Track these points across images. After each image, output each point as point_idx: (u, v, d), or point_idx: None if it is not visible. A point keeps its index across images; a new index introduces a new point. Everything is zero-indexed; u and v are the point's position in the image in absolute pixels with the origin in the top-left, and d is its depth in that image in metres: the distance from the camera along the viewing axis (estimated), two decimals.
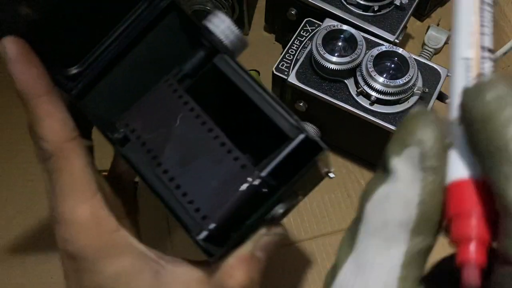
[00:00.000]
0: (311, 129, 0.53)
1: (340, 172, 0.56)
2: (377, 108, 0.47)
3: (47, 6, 0.28)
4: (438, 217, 0.18)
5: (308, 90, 0.49)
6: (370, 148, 0.53)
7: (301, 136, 0.27)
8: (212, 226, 0.26)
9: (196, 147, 0.28)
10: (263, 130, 0.28)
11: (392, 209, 0.18)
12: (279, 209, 0.28)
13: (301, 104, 0.51)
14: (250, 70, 0.58)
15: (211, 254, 0.27)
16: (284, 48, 0.53)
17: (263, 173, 0.26)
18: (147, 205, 0.39)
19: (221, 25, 0.30)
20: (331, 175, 0.31)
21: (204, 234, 0.26)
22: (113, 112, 0.30)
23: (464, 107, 0.17)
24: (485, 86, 0.17)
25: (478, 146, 0.17)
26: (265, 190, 0.27)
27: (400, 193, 0.18)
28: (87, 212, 0.27)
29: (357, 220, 0.19)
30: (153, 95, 0.29)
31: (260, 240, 0.28)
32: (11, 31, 0.27)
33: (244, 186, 0.26)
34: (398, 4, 0.52)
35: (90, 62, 0.30)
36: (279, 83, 0.53)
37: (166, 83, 0.29)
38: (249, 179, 0.26)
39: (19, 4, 0.27)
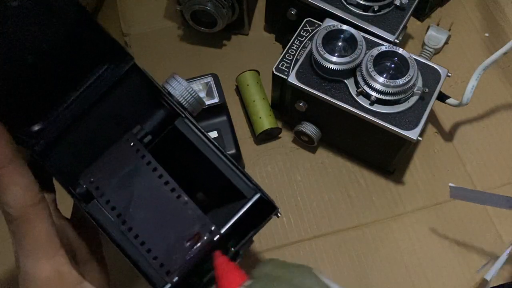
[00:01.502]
0: (311, 129, 0.53)
1: (340, 172, 0.56)
2: (377, 108, 0.47)
3: (12, 74, 0.29)
4: None
5: (308, 90, 0.49)
6: (370, 148, 0.53)
7: (257, 196, 0.30)
8: (175, 279, 0.28)
9: (156, 202, 0.30)
10: (220, 189, 0.31)
11: None
12: (238, 259, 0.31)
13: (301, 104, 0.51)
14: (250, 70, 0.58)
15: None
16: (284, 48, 0.53)
17: (222, 230, 0.29)
18: None
19: (179, 88, 0.33)
20: (279, 214, 0.33)
21: (168, 286, 0.29)
22: (76, 168, 0.31)
23: None
24: None
25: None
26: (222, 244, 0.30)
27: None
28: (50, 269, 0.29)
29: None
30: (115, 152, 0.31)
31: None
32: None
33: (204, 242, 0.29)
34: (398, 4, 0.52)
35: (52, 119, 0.31)
36: (279, 83, 0.53)
37: (128, 141, 0.31)
38: (208, 234, 0.29)
39: None
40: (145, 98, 0.33)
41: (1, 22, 0.27)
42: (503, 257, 0.45)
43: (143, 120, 0.32)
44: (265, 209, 0.31)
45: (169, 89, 0.33)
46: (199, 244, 0.29)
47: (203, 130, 0.32)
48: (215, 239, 0.29)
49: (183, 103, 0.33)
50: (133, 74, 0.32)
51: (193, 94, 0.33)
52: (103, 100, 0.32)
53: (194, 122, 0.32)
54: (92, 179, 0.30)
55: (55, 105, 0.31)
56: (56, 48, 0.30)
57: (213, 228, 0.29)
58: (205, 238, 0.29)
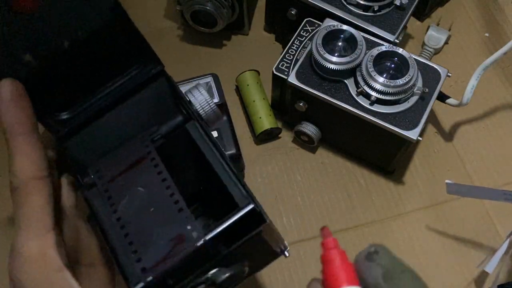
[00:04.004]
0: (311, 129, 0.53)
1: (340, 172, 0.56)
2: (377, 108, 0.47)
3: (48, 56, 0.30)
4: None
5: (308, 90, 0.49)
6: (370, 148, 0.53)
7: (250, 206, 0.29)
8: (149, 279, 0.27)
9: (152, 202, 0.30)
10: (218, 195, 0.31)
11: None
12: (220, 274, 0.29)
13: (301, 104, 0.51)
14: (250, 70, 0.58)
15: None
16: (284, 48, 0.53)
17: (208, 236, 0.28)
18: None
19: (200, 98, 0.34)
20: (287, 253, 0.32)
21: (140, 285, 0.27)
22: (90, 158, 0.33)
23: None
24: None
25: None
26: (207, 252, 0.28)
27: None
28: (35, 249, 0.29)
29: None
30: (127, 148, 0.32)
31: None
32: (11, 73, 0.30)
33: (187, 246, 0.28)
34: (398, 4, 0.52)
35: (80, 110, 0.33)
36: (279, 83, 0.53)
37: (141, 140, 0.32)
38: (194, 240, 0.28)
39: (23, 52, 0.30)
40: (166, 104, 0.34)
41: (50, 4, 0.29)
42: (502, 249, 0.45)
43: (160, 122, 0.33)
44: (258, 225, 0.29)
45: (190, 98, 0.34)
46: (181, 245, 0.28)
47: (211, 135, 0.32)
48: (198, 244, 0.28)
49: (201, 113, 0.34)
50: (160, 79, 0.33)
51: (212, 106, 0.34)
52: (128, 99, 0.33)
53: (204, 128, 0.32)
54: (99, 170, 0.32)
55: (85, 98, 0.33)
56: (91, 38, 0.31)
57: (199, 233, 0.28)
58: (189, 241, 0.28)
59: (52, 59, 0.31)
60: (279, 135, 0.58)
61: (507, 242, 0.45)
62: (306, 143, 0.56)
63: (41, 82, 0.31)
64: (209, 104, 0.34)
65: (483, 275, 0.50)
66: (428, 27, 0.63)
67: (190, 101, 0.34)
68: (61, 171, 0.34)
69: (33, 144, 0.30)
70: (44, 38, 0.30)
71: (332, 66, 0.47)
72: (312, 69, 0.49)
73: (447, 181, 0.44)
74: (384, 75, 0.47)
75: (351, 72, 0.48)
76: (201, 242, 0.28)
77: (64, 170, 0.34)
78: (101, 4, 0.30)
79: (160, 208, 0.30)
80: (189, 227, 0.28)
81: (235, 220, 0.28)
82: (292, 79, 0.49)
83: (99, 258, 0.34)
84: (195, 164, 0.33)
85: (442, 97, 0.52)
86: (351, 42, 0.49)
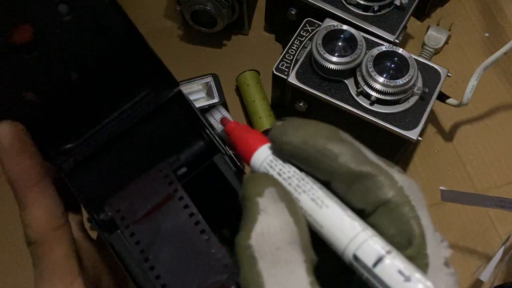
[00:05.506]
0: None
1: None
2: (377, 108, 0.47)
3: (53, 91, 0.28)
4: (308, 229, 0.21)
5: (308, 90, 0.49)
6: (369, 148, 0.53)
7: None
8: None
9: (184, 244, 0.27)
10: None
11: (278, 235, 0.21)
12: None
13: (301, 104, 0.51)
14: (250, 70, 0.58)
15: None
16: (284, 48, 0.53)
17: None
18: None
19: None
20: None
21: None
22: (102, 192, 0.29)
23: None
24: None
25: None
26: None
27: (276, 221, 0.21)
28: None
29: (248, 265, 0.21)
30: (146, 181, 0.29)
31: None
32: (9, 113, 0.27)
33: None
34: (398, 4, 0.52)
35: (85, 138, 0.30)
36: (279, 83, 0.53)
37: (162, 171, 0.29)
38: (235, 287, 0.26)
39: (23, 91, 0.27)
40: (184, 128, 0.31)
41: (51, 35, 0.26)
42: (497, 257, 0.45)
43: (179, 150, 0.30)
44: None
45: (211, 121, 0.31)
46: None
47: (241, 168, 0.30)
48: None
49: (224, 137, 0.31)
50: (176, 102, 0.30)
51: None
52: (141, 125, 0.30)
53: (234, 159, 0.30)
54: (118, 208, 0.28)
55: (91, 124, 0.30)
56: (102, 66, 0.28)
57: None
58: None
59: (58, 93, 0.28)
60: None
61: (501, 250, 0.45)
62: None
63: (43, 116, 0.28)
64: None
65: (480, 280, 0.50)
66: (428, 27, 0.63)
67: (211, 125, 0.31)
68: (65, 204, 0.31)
69: (46, 192, 0.27)
70: (48, 73, 0.27)
71: (332, 66, 0.47)
72: (312, 69, 0.49)
73: (441, 188, 0.44)
74: (384, 75, 0.47)
75: (351, 72, 0.48)
76: None
77: (67, 203, 0.30)
78: (115, 30, 0.27)
79: (193, 249, 0.27)
80: (229, 273, 0.26)
81: None
82: (292, 79, 0.49)
83: (115, 280, 0.33)
84: (224, 198, 0.31)
85: (442, 97, 0.52)
86: (351, 42, 0.49)
